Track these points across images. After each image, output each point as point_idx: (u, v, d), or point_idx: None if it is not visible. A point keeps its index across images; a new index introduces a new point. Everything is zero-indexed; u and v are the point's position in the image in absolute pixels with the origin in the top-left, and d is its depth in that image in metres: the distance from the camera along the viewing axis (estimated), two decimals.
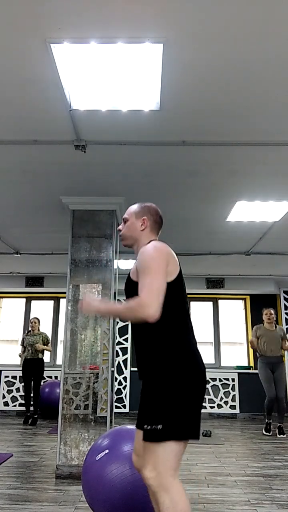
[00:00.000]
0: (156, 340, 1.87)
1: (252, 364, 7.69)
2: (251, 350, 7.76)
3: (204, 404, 7.37)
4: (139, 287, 1.84)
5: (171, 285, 1.89)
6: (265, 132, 2.96)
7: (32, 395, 6.43)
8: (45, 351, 6.67)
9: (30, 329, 6.77)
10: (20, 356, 6.77)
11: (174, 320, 1.89)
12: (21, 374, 6.70)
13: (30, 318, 6.91)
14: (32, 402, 6.45)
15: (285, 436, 5.73)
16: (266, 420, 5.90)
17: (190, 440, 1.81)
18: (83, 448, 3.69)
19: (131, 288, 1.98)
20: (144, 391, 1.88)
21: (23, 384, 6.56)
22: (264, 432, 5.86)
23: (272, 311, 6.11)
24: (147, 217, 2.13)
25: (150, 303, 1.77)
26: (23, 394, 7.27)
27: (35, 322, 6.74)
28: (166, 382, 1.80)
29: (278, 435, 5.74)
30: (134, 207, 2.18)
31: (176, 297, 1.92)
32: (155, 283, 1.81)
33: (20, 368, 6.74)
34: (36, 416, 6.36)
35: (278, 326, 6.16)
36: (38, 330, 6.73)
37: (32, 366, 6.44)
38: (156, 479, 1.74)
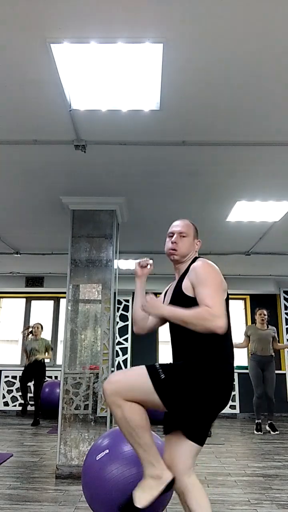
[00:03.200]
0: (201, 358, 1.89)
1: None
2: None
3: None
4: (204, 297, 1.86)
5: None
6: (265, 132, 2.96)
7: (32, 395, 6.45)
8: (47, 354, 6.70)
9: (33, 334, 6.76)
10: (25, 365, 6.75)
11: (221, 340, 1.89)
12: (21, 374, 6.70)
13: (33, 324, 6.89)
14: (33, 403, 6.47)
15: (278, 432, 5.83)
16: (256, 421, 6.03)
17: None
18: (83, 448, 3.69)
19: (184, 303, 1.95)
20: (176, 393, 1.85)
21: (21, 393, 6.54)
22: (255, 432, 5.94)
23: (265, 312, 6.23)
24: (199, 240, 2.23)
25: (221, 315, 1.80)
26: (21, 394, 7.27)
27: (38, 328, 6.74)
28: (203, 392, 1.85)
29: (271, 432, 5.86)
30: (193, 226, 2.22)
31: (227, 315, 1.93)
32: (220, 296, 1.88)
33: (21, 369, 6.74)
34: (38, 418, 6.35)
35: (270, 326, 6.29)
36: (40, 335, 6.74)
37: (33, 370, 6.45)
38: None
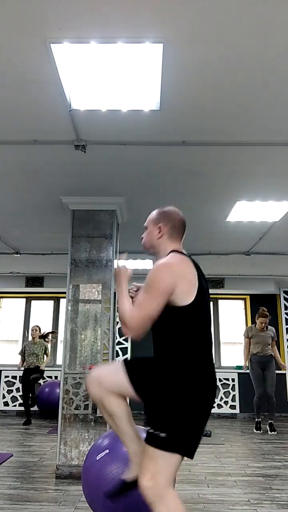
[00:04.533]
0: (173, 358, 1.82)
1: None
2: None
3: None
4: (136, 303, 1.85)
5: (187, 309, 1.80)
6: (265, 132, 2.96)
7: (30, 398, 6.51)
8: (45, 358, 6.75)
9: (31, 337, 6.79)
10: (19, 368, 6.79)
11: (189, 345, 1.81)
12: (21, 374, 6.71)
13: (32, 326, 6.91)
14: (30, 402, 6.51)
15: (276, 433, 5.85)
16: (256, 419, 6.09)
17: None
18: (83, 448, 3.69)
19: None
20: (153, 393, 1.82)
21: (21, 393, 6.61)
22: (255, 431, 5.97)
23: (267, 320, 6.25)
24: (163, 223, 2.00)
25: (136, 327, 1.80)
26: (21, 394, 7.28)
27: (36, 330, 6.76)
28: (179, 394, 1.76)
29: (269, 432, 5.89)
30: (153, 214, 2.07)
31: (193, 322, 1.83)
32: (149, 307, 1.77)
33: (21, 369, 6.75)
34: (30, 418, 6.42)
35: (269, 327, 6.35)
36: (38, 338, 6.76)
37: (31, 375, 6.47)
38: (153, 489, 1.70)
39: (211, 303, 8.16)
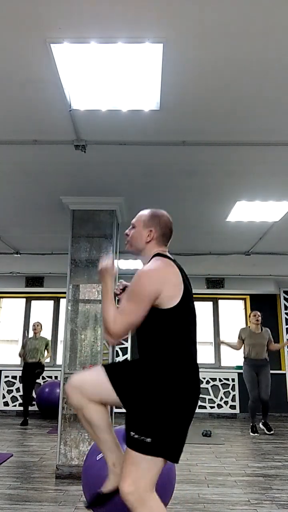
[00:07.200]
0: (157, 361, 1.80)
1: None
2: None
3: (203, 404, 7.37)
4: (120, 308, 1.82)
5: (172, 311, 1.79)
6: (265, 132, 2.96)
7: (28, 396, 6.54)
8: (46, 354, 6.76)
9: (32, 333, 6.81)
10: (20, 355, 6.80)
11: (174, 346, 1.79)
12: (21, 375, 6.72)
13: (33, 322, 6.94)
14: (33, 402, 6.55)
15: (272, 432, 5.84)
16: (251, 424, 5.98)
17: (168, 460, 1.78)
18: (83, 448, 3.69)
19: None
20: (137, 397, 1.78)
21: (21, 393, 6.65)
22: (252, 434, 5.87)
23: (259, 313, 6.17)
24: (155, 229, 1.99)
25: (117, 334, 1.78)
26: (21, 394, 7.28)
27: (38, 326, 6.78)
28: (164, 398, 1.73)
29: (267, 432, 5.86)
30: (145, 215, 2.05)
31: (178, 324, 1.81)
32: (133, 314, 1.77)
33: (20, 369, 6.76)
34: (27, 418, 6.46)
35: (264, 328, 6.19)
36: (40, 334, 6.79)
37: (32, 370, 6.48)
38: (135, 494, 1.66)
39: (211, 302, 8.17)
